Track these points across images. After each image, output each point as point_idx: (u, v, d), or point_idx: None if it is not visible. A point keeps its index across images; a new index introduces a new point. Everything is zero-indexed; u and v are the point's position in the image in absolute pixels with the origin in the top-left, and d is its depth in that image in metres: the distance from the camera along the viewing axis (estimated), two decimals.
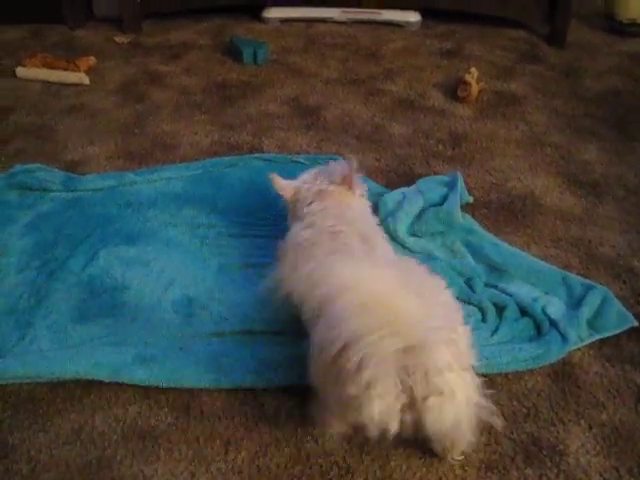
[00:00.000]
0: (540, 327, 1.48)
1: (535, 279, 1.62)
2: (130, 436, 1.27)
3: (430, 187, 1.89)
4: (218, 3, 3.19)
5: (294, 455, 1.24)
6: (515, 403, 1.34)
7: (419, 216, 1.78)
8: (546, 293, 1.58)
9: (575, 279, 1.61)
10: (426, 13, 3.16)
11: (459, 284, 1.58)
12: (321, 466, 1.22)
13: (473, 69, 2.48)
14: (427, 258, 1.66)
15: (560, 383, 1.38)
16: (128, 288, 1.58)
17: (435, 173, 2.02)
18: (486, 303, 1.54)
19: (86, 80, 2.63)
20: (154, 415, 1.31)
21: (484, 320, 1.51)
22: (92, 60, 2.76)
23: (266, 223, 1.80)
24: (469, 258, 1.68)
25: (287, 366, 1.37)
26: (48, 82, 2.64)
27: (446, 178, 1.96)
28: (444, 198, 1.83)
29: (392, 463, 1.23)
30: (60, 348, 1.43)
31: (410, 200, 1.82)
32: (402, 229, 1.75)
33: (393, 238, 1.70)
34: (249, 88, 2.60)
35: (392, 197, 1.86)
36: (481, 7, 3.06)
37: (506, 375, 1.39)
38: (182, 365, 1.37)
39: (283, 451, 1.24)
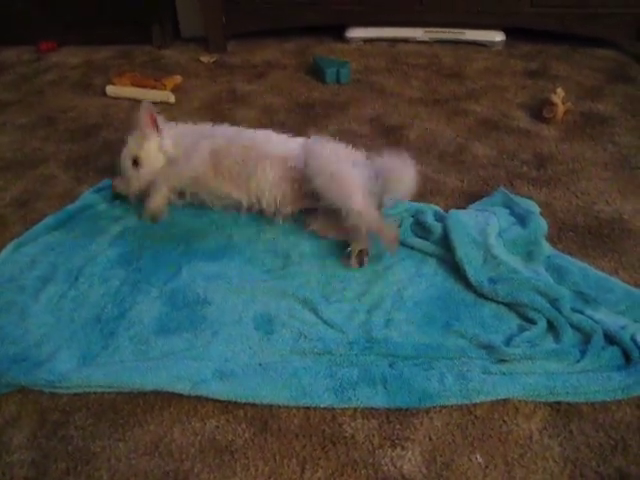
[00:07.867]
0: (629, 356, 1.41)
1: (624, 306, 1.54)
2: (208, 450, 1.28)
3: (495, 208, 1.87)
4: (301, 24, 3.24)
5: (371, 477, 1.21)
6: (602, 435, 1.28)
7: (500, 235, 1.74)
8: (635, 321, 1.50)
9: None
10: (510, 32, 3.12)
11: (541, 303, 1.52)
12: None
13: (559, 89, 2.42)
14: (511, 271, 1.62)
15: None
16: (209, 303, 1.60)
17: (519, 195, 1.96)
18: (570, 327, 1.48)
19: (172, 98, 2.69)
20: (232, 430, 1.31)
21: (568, 344, 1.44)
22: (178, 79, 2.84)
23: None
24: (551, 280, 1.62)
25: (366, 387, 1.35)
26: (136, 100, 2.72)
27: (495, 198, 1.93)
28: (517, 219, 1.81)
29: None
30: (141, 360, 1.45)
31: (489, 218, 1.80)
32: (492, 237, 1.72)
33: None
34: (331, 107, 2.61)
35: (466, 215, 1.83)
36: (567, 26, 3.00)
37: (592, 405, 1.33)
38: (261, 381, 1.37)
39: (360, 472, 1.22)
